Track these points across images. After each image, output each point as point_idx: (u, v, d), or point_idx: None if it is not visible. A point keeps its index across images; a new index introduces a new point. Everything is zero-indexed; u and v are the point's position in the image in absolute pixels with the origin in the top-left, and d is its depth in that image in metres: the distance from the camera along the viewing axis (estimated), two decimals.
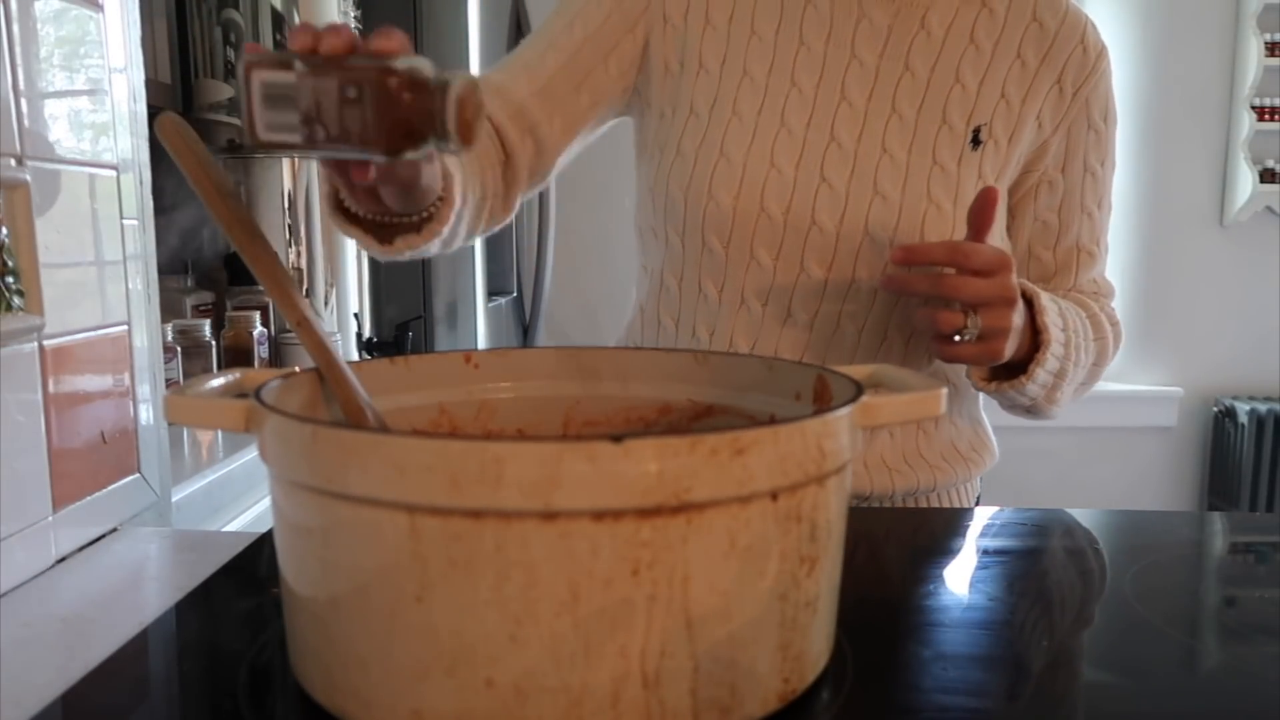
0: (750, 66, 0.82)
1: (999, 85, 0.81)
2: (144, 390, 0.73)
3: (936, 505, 0.88)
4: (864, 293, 0.80)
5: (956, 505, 0.92)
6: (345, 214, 0.65)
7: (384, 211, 0.63)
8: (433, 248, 0.69)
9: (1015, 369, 0.77)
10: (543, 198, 2.10)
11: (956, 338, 0.70)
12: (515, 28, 2.15)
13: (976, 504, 0.96)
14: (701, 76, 0.83)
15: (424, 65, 0.46)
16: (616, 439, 0.34)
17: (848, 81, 0.81)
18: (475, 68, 1.84)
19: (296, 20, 1.48)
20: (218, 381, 0.49)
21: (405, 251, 0.67)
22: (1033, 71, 0.82)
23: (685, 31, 0.83)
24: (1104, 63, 0.84)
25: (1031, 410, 0.82)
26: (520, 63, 0.84)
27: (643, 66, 0.85)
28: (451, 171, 0.65)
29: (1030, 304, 0.75)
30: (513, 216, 0.86)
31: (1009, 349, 0.72)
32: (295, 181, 1.52)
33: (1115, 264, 2.80)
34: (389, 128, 0.45)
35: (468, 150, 0.46)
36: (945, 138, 0.80)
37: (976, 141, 0.80)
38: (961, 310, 0.70)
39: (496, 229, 0.85)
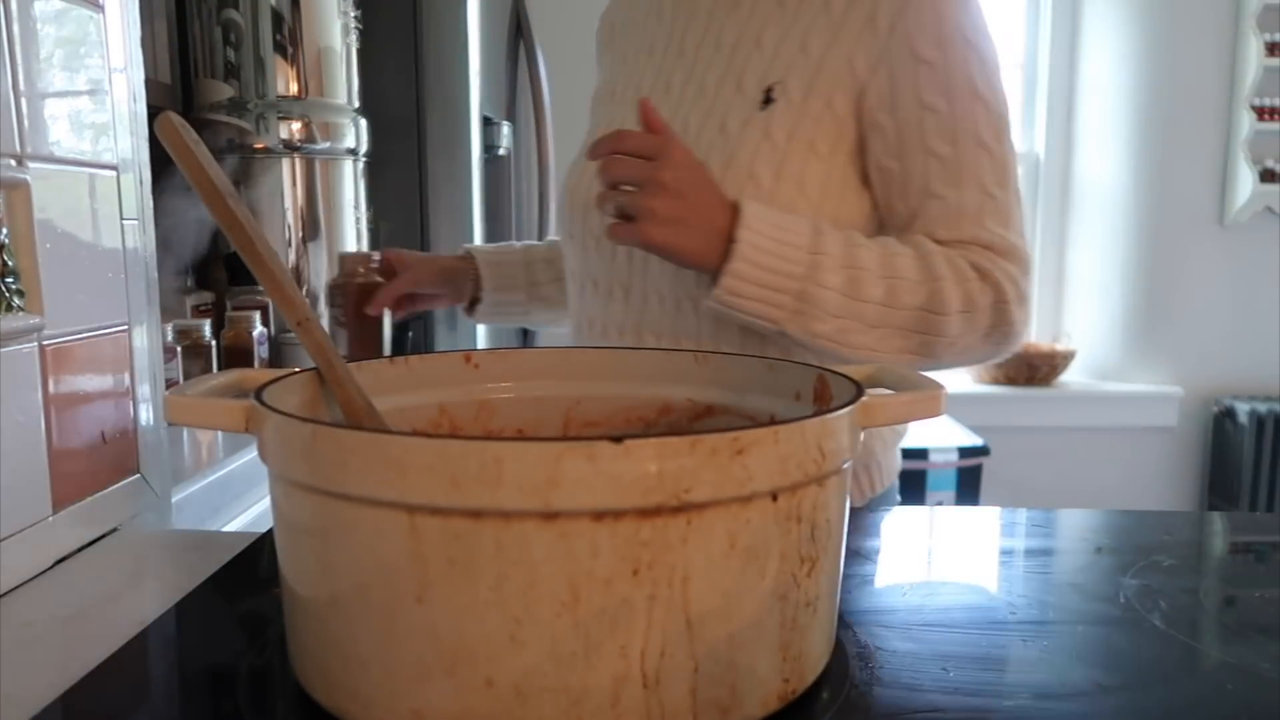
0: (615, 88, 0.93)
1: (799, 40, 0.81)
2: (144, 390, 0.73)
3: (854, 483, 0.89)
4: (655, 264, 0.84)
5: (875, 480, 0.92)
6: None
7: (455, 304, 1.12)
8: (519, 313, 1.13)
9: None
10: (542, 199, 2.10)
11: (609, 216, 0.75)
12: (515, 28, 2.15)
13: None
14: (591, 112, 0.98)
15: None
16: (616, 439, 0.34)
17: (673, 75, 0.87)
18: (475, 67, 1.84)
19: (297, 20, 1.48)
20: (218, 381, 0.49)
21: (492, 315, 1.13)
22: (838, 18, 0.79)
23: (601, 81, 1.00)
24: None
25: (799, 342, 0.77)
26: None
27: None
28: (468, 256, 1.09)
29: (737, 215, 0.74)
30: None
31: (662, 235, 0.73)
32: (295, 181, 1.52)
33: (1116, 264, 2.80)
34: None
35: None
36: (736, 102, 0.81)
37: (768, 101, 0.80)
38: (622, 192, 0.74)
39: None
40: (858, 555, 0.62)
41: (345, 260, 1.08)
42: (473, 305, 1.11)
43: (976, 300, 0.77)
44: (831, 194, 0.81)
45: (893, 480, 0.96)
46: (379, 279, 1.06)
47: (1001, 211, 0.79)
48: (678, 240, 0.73)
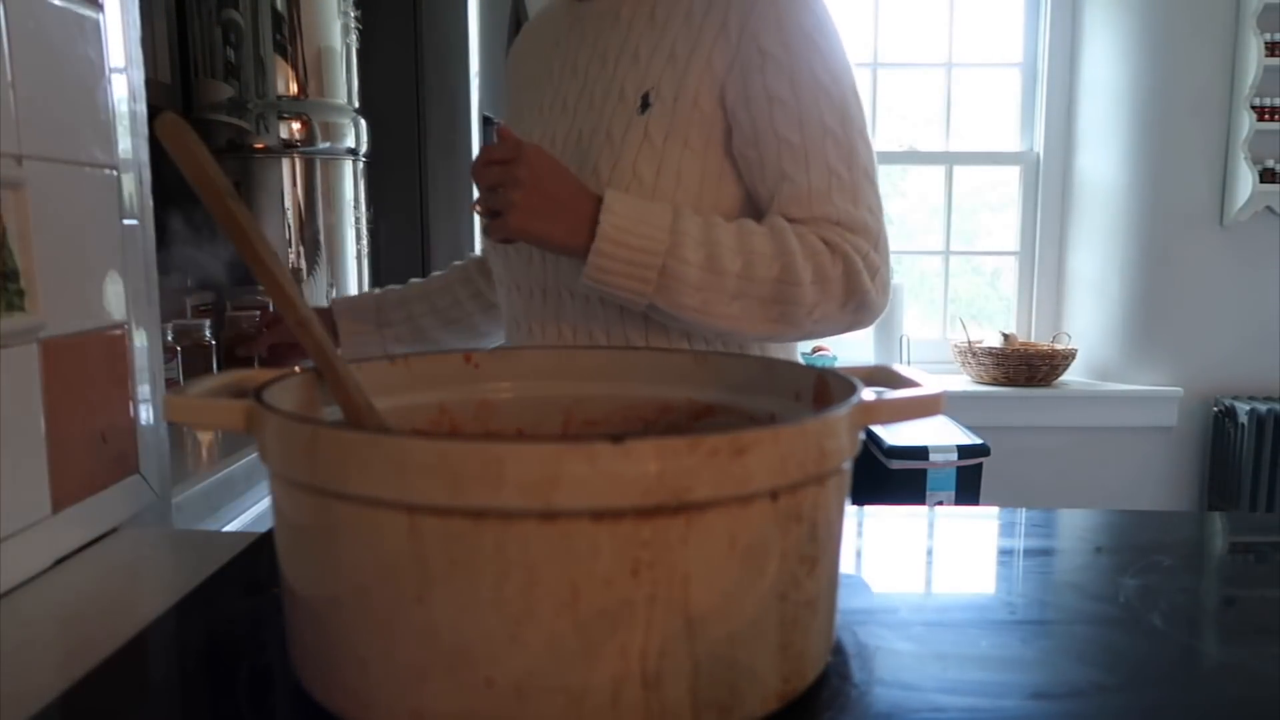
0: (525, 114, 1.01)
1: (668, 49, 0.89)
2: (144, 390, 0.73)
3: None
4: (565, 264, 0.91)
5: None
6: None
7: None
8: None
9: None
10: None
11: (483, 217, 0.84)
12: (515, 28, 2.15)
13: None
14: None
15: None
16: (616, 439, 0.34)
17: (568, 92, 0.96)
18: (475, 67, 1.84)
19: (297, 20, 1.48)
20: (218, 381, 0.49)
21: (366, 345, 1.21)
22: (698, 25, 0.88)
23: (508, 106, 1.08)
24: None
25: (660, 313, 0.85)
26: None
27: None
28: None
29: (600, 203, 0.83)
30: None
31: (526, 224, 0.81)
32: (295, 181, 1.52)
33: (1115, 264, 2.81)
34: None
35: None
36: (618, 110, 0.90)
37: (645, 106, 0.89)
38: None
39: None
40: (858, 555, 0.62)
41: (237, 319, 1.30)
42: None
43: (828, 271, 0.84)
44: (709, 185, 0.89)
45: None
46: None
47: (849, 190, 0.87)
48: (542, 227, 0.82)
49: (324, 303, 1.56)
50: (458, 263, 1.23)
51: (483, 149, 0.84)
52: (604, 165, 0.89)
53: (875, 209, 0.88)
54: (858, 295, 0.86)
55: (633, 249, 0.82)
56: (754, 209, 0.91)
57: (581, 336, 0.94)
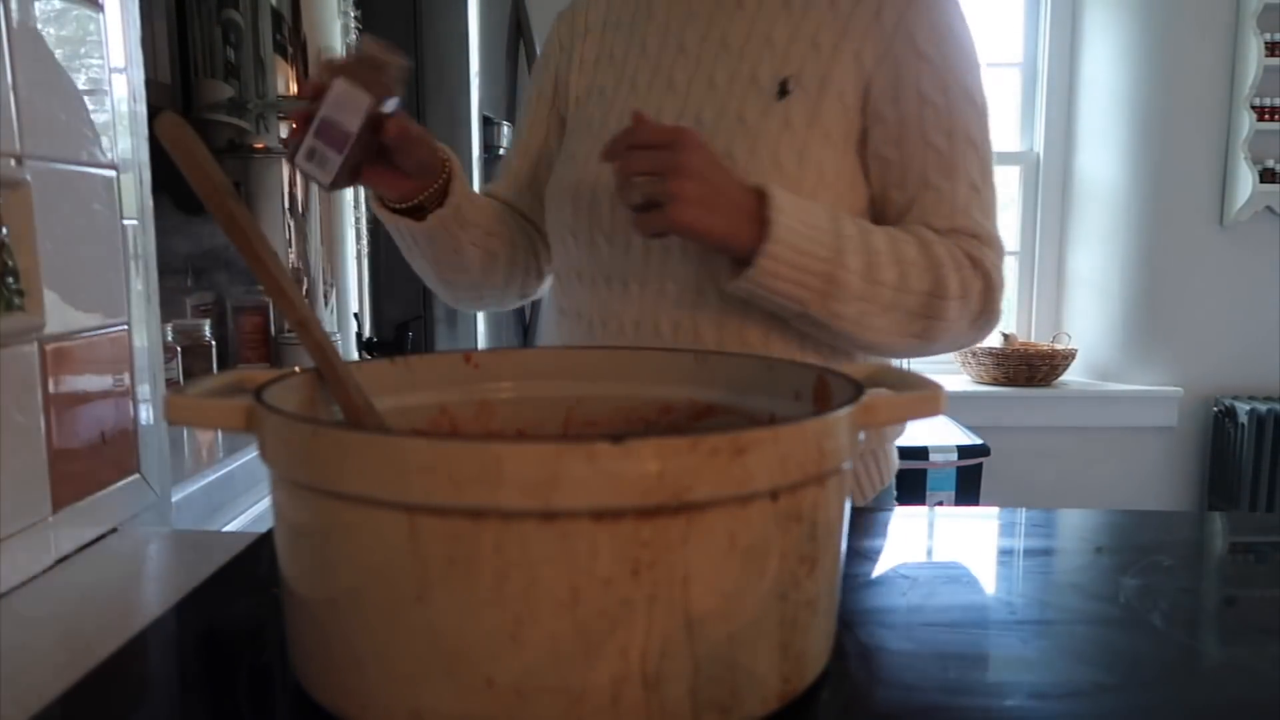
0: (603, 84, 0.94)
1: (809, 35, 0.85)
2: (144, 390, 0.73)
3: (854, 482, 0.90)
4: (676, 254, 0.85)
5: (874, 480, 0.93)
6: (388, 211, 0.90)
7: (412, 196, 0.88)
8: (466, 242, 0.93)
9: None
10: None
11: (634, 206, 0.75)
12: (515, 28, 2.15)
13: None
14: (575, 109, 0.97)
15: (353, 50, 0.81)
16: (616, 439, 0.34)
17: (674, 71, 0.89)
18: (475, 67, 1.84)
19: (297, 20, 1.48)
20: (218, 381, 0.49)
21: (439, 229, 0.90)
22: (846, 14, 0.84)
23: (570, 81, 0.98)
24: None
25: (815, 323, 0.80)
26: (502, 169, 1.06)
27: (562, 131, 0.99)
28: (448, 157, 0.91)
29: (764, 199, 0.76)
30: (543, 288, 1.07)
31: (691, 217, 0.73)
32: (295, 181, 1.52)
33: (1115, 264, 2.81)
34: (368, 88, 0.73)
35: (397, 58, 0.74)
36: (752, 96, 0.84)
37: (783, 92, 0.83)
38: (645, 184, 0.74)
39: (531, 297, 1.07)
40: (858, 555, 0.62)
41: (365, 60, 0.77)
42: (415, 212, 0.92)
43: (970, 286, 0.82)
44: (844, 183, 0.84)
45: (893, 476, 0.97)
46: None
47: (985, 204, 0.85)
48: (708, 222, 0.74)
49: (323, 306, 1.56)
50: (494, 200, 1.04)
51: (627, 132, 0.75)
52: (739, 151, 0.83)
53: (998, 224, 0.87)
54: (989, 311, 0.84)
55: (801, 253, 0.76)
56: (871, 217, 0.87)
57: (686, 334, 0.86)
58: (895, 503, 0.99)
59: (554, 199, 0.94)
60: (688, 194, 0.73)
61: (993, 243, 0.85)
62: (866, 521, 0.72)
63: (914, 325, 0.81)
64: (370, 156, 0.79)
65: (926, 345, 0.83)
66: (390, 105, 0.76)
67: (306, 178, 0.84)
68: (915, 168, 0.83)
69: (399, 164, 0.82)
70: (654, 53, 0.91)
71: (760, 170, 0.82)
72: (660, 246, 0.86)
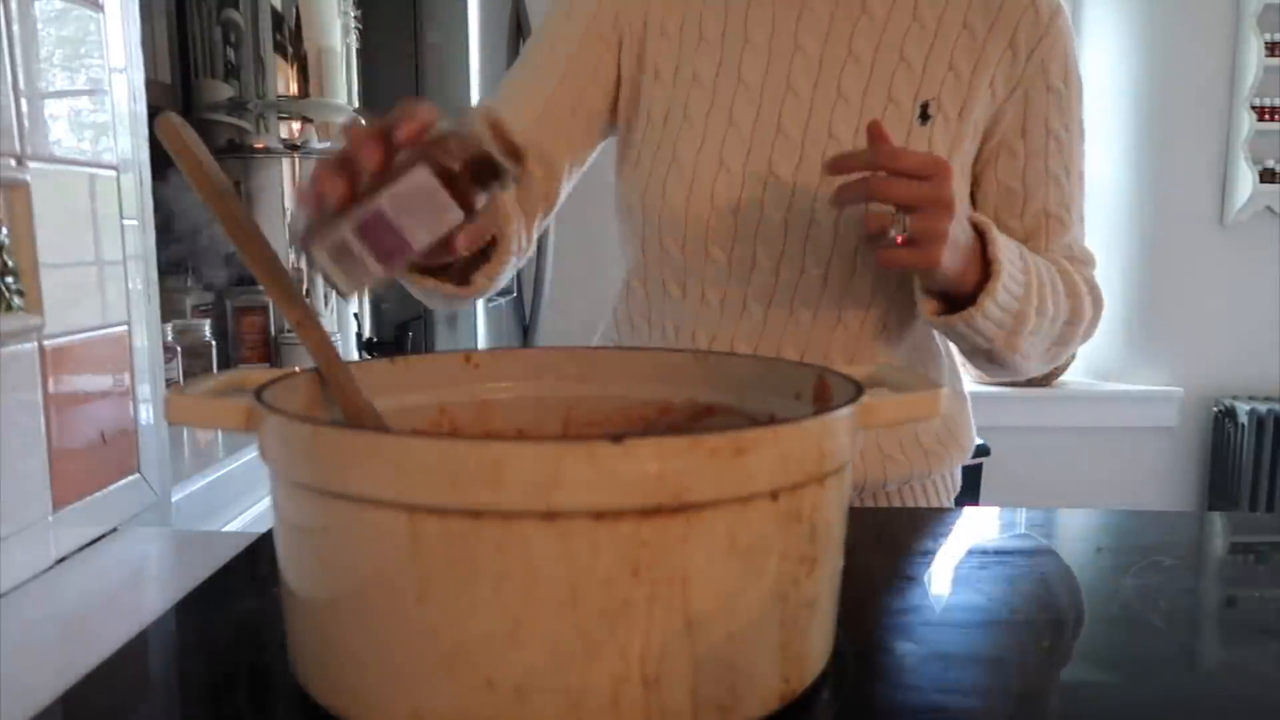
0: (699, 71, 0.84)
1: (946, 58, 0.81)
2: (144, 390, 0.73)
3: (912, 501, 0.89)
4: (814, 281, 0.82)
5: (935, 500, 0.91)
6: (421, 272, 0.72)
7: (452, 256, 0.61)
8: (505, 274, 0.77)
9: (968, 304, 0.74)
10: None
11: (889, 239, 0.68)
12: (515, 28, 2.15)
13: (957, 501, 0.95)
14: (657, 85, 0.85)
15: (450, 124, 0.48)
16: (616, 439, 0.34)
17: (793, 73, 0.82)
18: (475, 67, 1.84)
19: (297, 20, 1.48)
20: (218, 381, 0.49)
21: (483, 284, 0.75)
22: (981, 40, 0.81)
23: (645, 42, 0.86)
24: (1059, 21, 0.82)
25: (992, 356, 0.78)
26: (515, 90, 0.88)
27: (618, 82, 0.87)
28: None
29: (983, 235, 0.73)
30: (534, 249, 0.88)
31: (946, 258, 0.69)
32: (295, 181, 1.52)
33: (1115, 264, 2.80)
34: (459, 196, 0.47)
35: (522, 168, 0.48)
36: (892, 116, 0.80)
37: (925, 117, 0.80)
38: (896, 213, 0.68)
39: (522, 263, 0.87)
40: (858, 555, 0.62)
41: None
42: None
43: (1092, 311, 0.83)
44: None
45: (954, 495, 0.96)
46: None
47: (1083, 232, 0.87)
48: (954, 263, 0.70)
49: (323, 306, 1.56)
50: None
51: (881, 153, 0.67)
52: None
53: None
54: (1091, 334, 0.85)
55: (1012, 295, 0.74)
56: None
57: (815, 358, 0.82)
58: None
59: (666, 200, 0.83)
60: (949, 233, 0.68)
61: (1096, 266, 0.87)
62: (867, 521, 0.72)
63: (1051, 351, 0.82)
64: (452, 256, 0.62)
65: (1039, 366, 0.83)
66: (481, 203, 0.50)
67: (317, 271, 0.51)
68: (1037, 199, 0.83)
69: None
70: (762, 42, 0.82)
71: None
72: (842, 275, 0.81)
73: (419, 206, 0.48)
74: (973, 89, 0.81)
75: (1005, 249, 0.74)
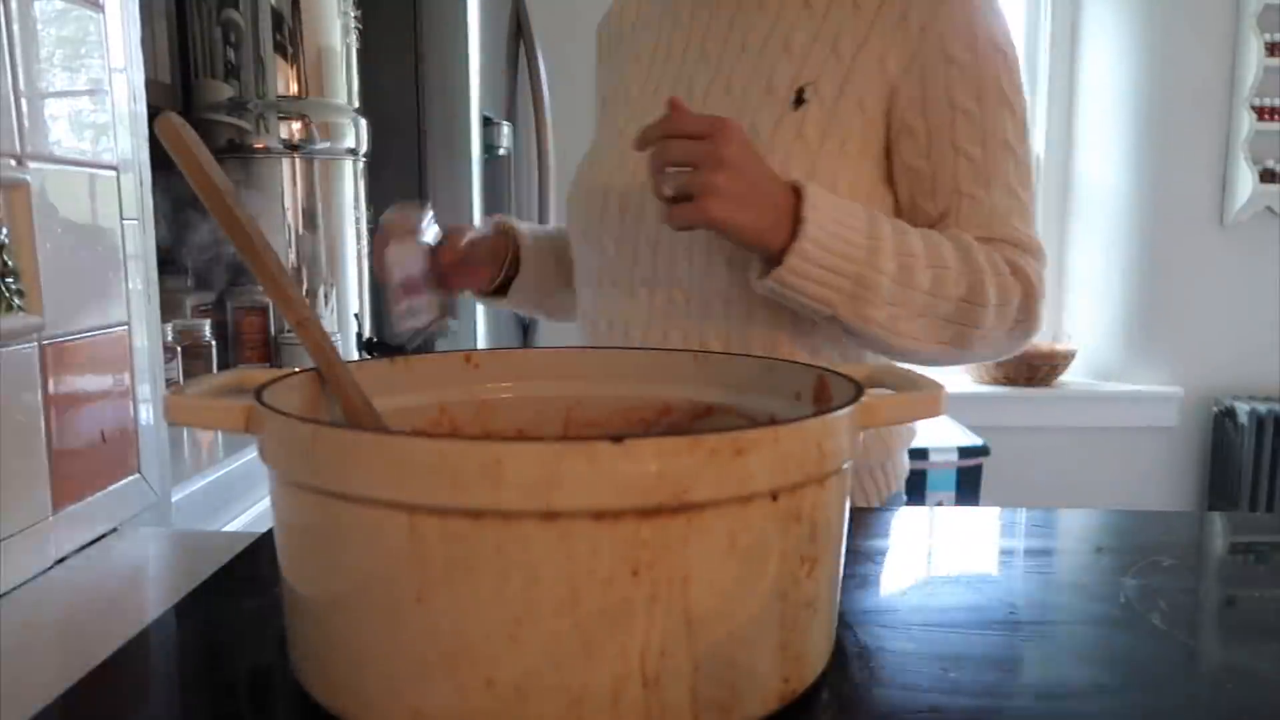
0: (630, 88, 0.93)
1: (830, 41, 0.81)
2: (144, 390, 0.73)
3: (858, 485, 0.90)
4: (683, 261, 0.85)
5: (879, 486, 0.92)
6: (484, 297, 1.06)
7: (494, 280, 1.03)
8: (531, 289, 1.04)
9: None
10: (542, 199, 2.10)
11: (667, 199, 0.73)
12: (515, 28, 2.15)
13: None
14: (603, 110, 0.97)
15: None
16: (616, 439, 0.34)
17: (695, 76, 0.87)
18: (475, 68, 1.84)
19: (297, 20, 1.48)
20: (218, 381, 0.49)
21: (520, 300, 1.05)
22: (870, 17, 0.80)
23: (603, 75, 0.99)
24: None
25: (854, 330, 0.77)
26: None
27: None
28: (508, 232, 1.04)
29: (799, 195, 0.74)
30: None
31: (722, 211, 0.71)
32: (295, 181, 1.52)
33: (1115, 264, 2.80)
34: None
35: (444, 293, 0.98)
36: (766, 103, 0.82)
37: (800, 101, 0.80)
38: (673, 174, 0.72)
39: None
40: (858, 555, 0.62)
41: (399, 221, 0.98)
42: (500, 289, 1.05)
43: (1009, 294, 0.79)
44: (860, 194, 0.81)
45: (903, 481, 0.96)
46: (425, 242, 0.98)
47: (1025, 211, 0.82)
48: (743, 217, 0.72)
49: (323, 306, 1.56)
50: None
51: (665, 120, 0.72)
52: None
53: (1038, 231, 0.84)
54: (1029, 320, 0.81)
55: (833, 253, 0.73)
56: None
57: (692, 343, 0.85)
58: (904, 502, 0.99)
59: (570, 202, 0.94)
60: (723, 188, 0.70)
61: (1035, 250, 0.81)
62: (867, 521, 0.72)
63: (945, 332, 0.78)
64: (448, 272, 0.96)
65: (962, 353, 0.81)
66: (431, 237, 0.94)
67: (420, 336, 0.98)
68: (947, 177, 0.80)
69: (471, 261, 0.98)
70: (677, 56, 0.88)
71: None
72: (668, 252, 0.84)
73: (399, 261, 0.93)
74: (856, 68, 0.80)
75: (828, 209, 0.73)
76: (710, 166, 0.70)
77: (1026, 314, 0.80)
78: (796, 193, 0.74)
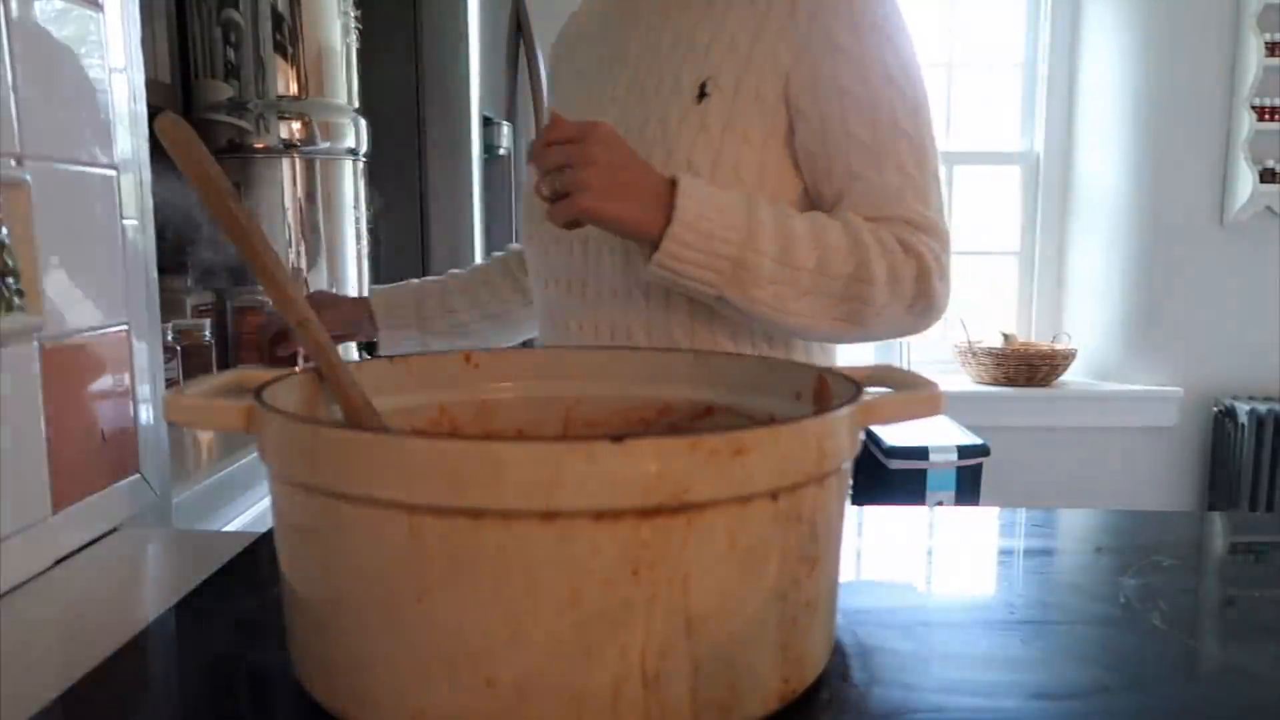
0: (574, 100, 0.97)
1: (729, 35, 0.86)
2: (144, 390, 0.73)
3: None
4: (607, 258, 0.90)
5: None
6: None
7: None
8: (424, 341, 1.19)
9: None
10: None
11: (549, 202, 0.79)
12: (515, 28, 2.15)
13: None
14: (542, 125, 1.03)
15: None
16: (616, 439, 0.34)
17: (617, 79, 0.92)
18: (475, 68, 1.84)
19: (297, 20, 1.48)
20: (218, 381, 0.49)
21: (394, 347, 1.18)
22: (763, 11, 0.85)
23: (555, 88, 1.04)
24: None
25: (739, 307, 0.81)
26: None
27: None
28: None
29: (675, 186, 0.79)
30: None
31: (596, 204, 0.76)
32: (295, 181, 1.52)
33: (1115, 264, 2.80)
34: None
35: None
36: (673, 99, 0.87)
37: (702, 95, 0.85)
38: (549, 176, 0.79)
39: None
40: (858, 555, 0.62)
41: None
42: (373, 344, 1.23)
43: (901, 271, 0.82)
44: (768, 181, 0.86)
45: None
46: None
47: (920, 190, 0.85)
48: (615, 209, 0.77)
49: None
50: (497, 254, 1.20)
51: (544, 130, 0.80)
52: (657, 157, 0.86)
53: (941, 210, 0.87)
54: (926, 296, 0.84)
55: (709, 237, 0.78)
56: (808, 207, 0.88)
57: (620, 334, 0.91)
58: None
59: (523, 208, 1.01)
60: (593, 183, 0.76)
61: (930, 229, 0.84)
62: (867, 521, 0.72)
63: (838, 309, 0.82)
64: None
65: (858, 330, 0.84)
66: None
67: None
68: (840, 159, 0.84)
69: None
70: (606, 64, 0.94)
71: (676, 173, 0.84)
72: (594, 249, 0.90)
73: None
74: (752, 61, 0.85)
75: (701, 198, 0.78)
76: (580, 165, 0.76)
77: (923, 291, 0.83)
78: (673, 185, 0.79)
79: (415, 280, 1.22)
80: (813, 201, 0.88)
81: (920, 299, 0.84)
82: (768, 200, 0.82)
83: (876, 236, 0.81)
